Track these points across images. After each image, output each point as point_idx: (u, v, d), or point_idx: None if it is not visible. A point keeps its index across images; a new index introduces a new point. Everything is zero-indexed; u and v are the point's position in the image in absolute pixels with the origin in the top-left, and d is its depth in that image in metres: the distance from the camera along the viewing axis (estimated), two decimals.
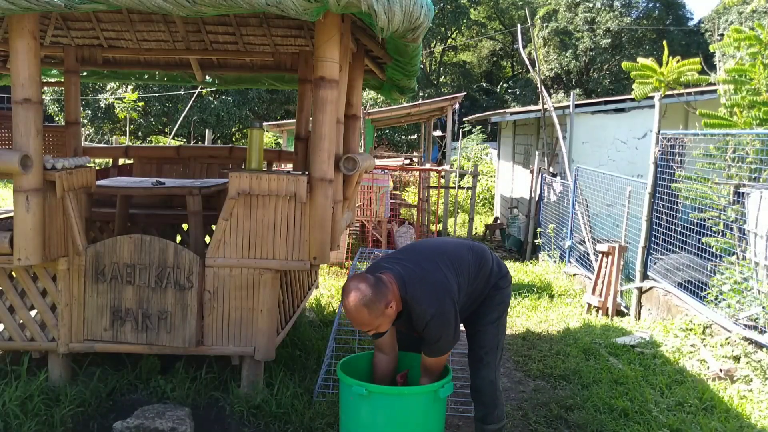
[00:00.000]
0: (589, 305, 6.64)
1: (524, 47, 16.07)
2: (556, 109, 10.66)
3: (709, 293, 5.41)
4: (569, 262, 8.53)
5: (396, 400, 2.75)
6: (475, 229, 13.43)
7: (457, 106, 15.46)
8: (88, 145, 9.41)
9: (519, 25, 13.61)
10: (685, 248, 5.96)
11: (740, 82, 6.18)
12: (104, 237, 4.87)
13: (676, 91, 7.61)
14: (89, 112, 21.49)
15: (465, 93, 22.97)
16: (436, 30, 32.15)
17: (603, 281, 6.54)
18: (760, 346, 4.61)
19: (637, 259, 6.57)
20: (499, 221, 14.07)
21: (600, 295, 6.52)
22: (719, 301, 5.27)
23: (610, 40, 29.24)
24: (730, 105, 6.28)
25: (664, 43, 7.69)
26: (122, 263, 3.53)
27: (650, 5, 31.13)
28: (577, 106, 10.43)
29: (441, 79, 35.07)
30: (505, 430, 3.26)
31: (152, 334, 3.55)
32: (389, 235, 9.21)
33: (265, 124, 15.25)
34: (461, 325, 2.96)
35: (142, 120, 21.92)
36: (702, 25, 28.60)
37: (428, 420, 2.79)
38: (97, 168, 5.54)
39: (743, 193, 5.29)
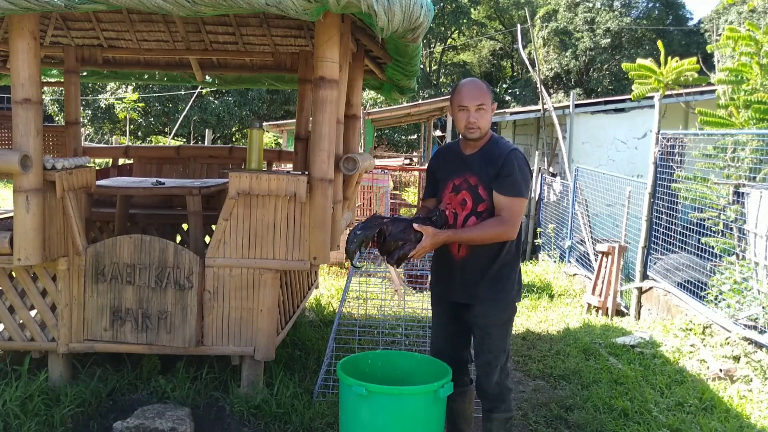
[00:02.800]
0: (589, 305, 6.64)
1: (524, 47, 16.06)
2: (555, 109, 10.67)
3: (708, 293, 5.41)
4: (569, 262, 8.53)
5: (396, 400, 2.75)
6: None
7: (446, 117, 15.46)
8: (88, 145, 9.41)
9: (519, 25, 13.60)
10: (684, 248, 5.96)
11: (737, 82, 6.19)
12: (104, 237, 4.87)
13: (674, 91, 7.62)
14: (89, 112, 21.49)
15: None
16: (436, 30, 32.16)
17: (603, 281, 6.55)
18: (759, 346, 4.62)
19: (636, 259, 6.57)
20: None
21: (600, 295, 6.52)
22: (719, 301, 5.27)
23: (609, 40, 29.23)
24: (726, 105, 6.29)
25: (659, 43, 7.68)
26: (122, 263, 3.53)
27: (650, 5, 31.13)
28: (576, 106, 10.44)
29: (441, 79, 35.06)
30: (513, 422, 3.24)
31: (152, 334, 3.55)
32: None
33: (265, 124, 15.26)
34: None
35: (142, 120, 21.92)
36: (702, 25, 28.60)
37: (428, 420, 2.79)
38: (97, 168, 5.54)
39: (743, 193, 5.30)
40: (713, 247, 5.55)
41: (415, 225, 2.70)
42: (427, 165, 2.92)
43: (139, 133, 22.88)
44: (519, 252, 2.92)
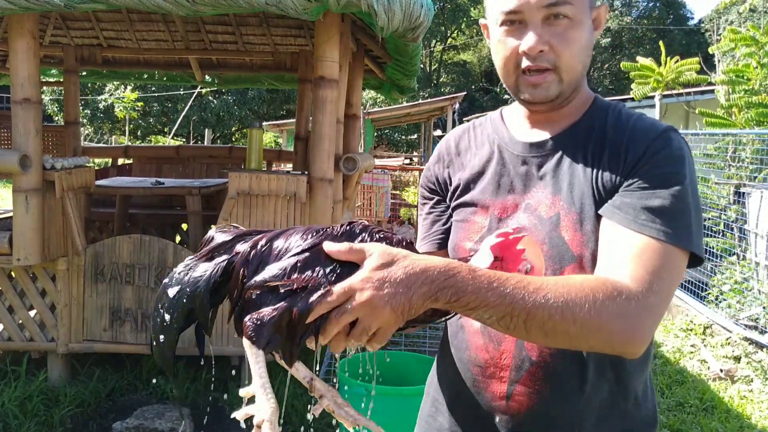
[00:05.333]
0: None
1: None
2: None
3: (709, 293, 5.40)
4: None
5: (396, 401, 2.75)
6: None
7: (457, 105, 15.48)
8: (88, 145, 9.41)
9: None
10: None
11: (737, 83, 6.19)
12: (103, 237, 4.86)
13: (675, 91, 7.61)
14: (88, 112, 21.49)
15: (465, 93, 22.98)
16: (436, 29, 32.15)
17: None
18: (760, 346, 4.61)
19: None
20: None
21: None
22: (720, 302, 5.27)
23: (610, 39, 29.24)
24: (728, 105, 6.29)
25: (661, 43, 7.68)
26: (121, 263, 3.52)
27: (650, 5, 31.15)
28: None
29: (441, 79, 35.06)
30: None
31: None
32: None
33: (264, 123, 15.25)
34: None
35: (141, 120, 21.92)
36: (702, 25, 28.61)
37: None
38: (96, 168, 5.53)
39: (743, 193, 5.29)
40: (714, 248, 5.55)
41: (327, 247, 0.93)
42: (422, 175, 1.30)
43: (139, 133, 22.87)
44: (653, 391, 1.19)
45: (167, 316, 0.97)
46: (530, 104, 1.11)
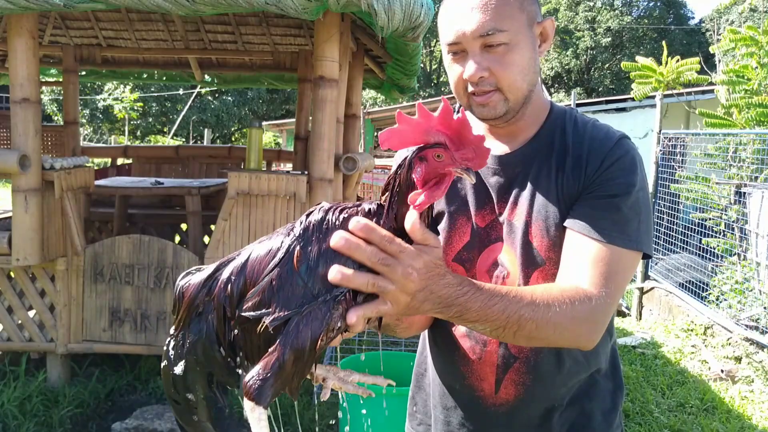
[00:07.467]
0: None
1: None
2: None
3: (710, 294, 5.39)
4: None
5: (396, 401, 2.74)
6: None
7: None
8: (87, 145, 9.40)
9: None
10: (686, 248, 5.95)
11: (737, 83, 6.19)
12: (103, 237, 4.85)
13: (675, 91, 7.60)
14: (87, 112, 21.48)
15: None
16: (435, 29, 32.07)
17: None
18: (761, 346, 4.60)
19: None
20: None
21: None
22: (720, 302, 5.26)
23: (610, 39, 29.23)
24: (728, 105, 6.28)
25: (663, 43, 7.68)
26: (121, 263, 3.51)
27: (651, 4, 31.14)
28: (578, 105, 10.42)
29: (441, 78, 35.05)
30: None
31: (151, 334, 3.53)
32: None
33: (264, 123, 15.25)
34: None
35: (140, 121, 21.91)
36: (703, 25, 28.61)
37: None
38: (95, 168, 5.52)
39: (744, 193, 5.28)
40: (715, 248, 5.54)
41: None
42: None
43: (138, 133, 22.86)
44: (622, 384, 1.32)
45: (190, 396, 0.91)
46: (483, 121, 1.20)
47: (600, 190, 1.11)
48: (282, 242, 0.89)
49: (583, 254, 1.09)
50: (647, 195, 1.16)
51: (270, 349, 0.84)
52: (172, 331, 0.95)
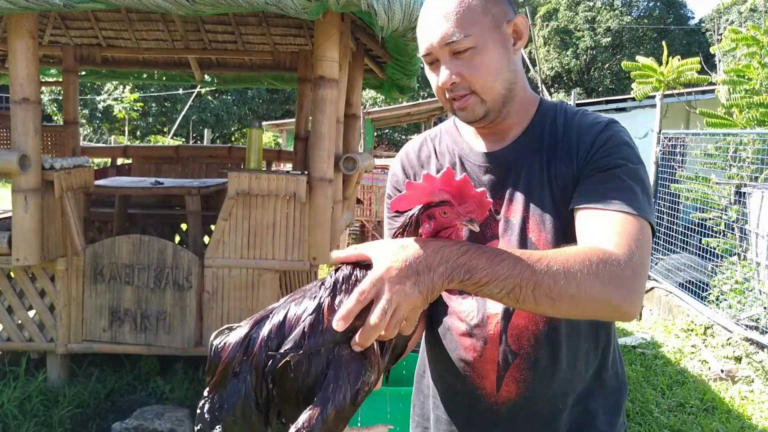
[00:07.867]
0: None
1: (525, 46, 16.05)
2: None
3: (710, 294, 5.39)
4: None
5: (396, 401, 2.74)
6: None
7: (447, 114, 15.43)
8: (87, 145, 9.40)
9: None
10: (686, 248, 5.95)
11: (738, 83, 6.19)
12: (103, 237, 4.85)
13: (676, 91, 7.61)
14: (87, 112, 21.48)
15: None
16: None
17: None
18: (761, 346, 4.60)
19: None
20: None
21: None
22: (720, 302, 5.26)
23: (610, 39, 29.23)
24: (729, 105, 6.28)
25: (664, 43, 7.68)
26: (121, 263, 3.51)
27: (651, 4, 31.13)
28: (578, 105, 10.42)
29: None
30: None
31: (151, 334, 3.53)
32: None
33: (264, 123, 15.24)
34: None
35: (140, 121, 21.91)
36: (703, 25, 28.61)
37: None
38: (95, 168, 5.52)
39: (744, 193, 5.28)
40: (715, 248, 5.54)
41: (336, 255, 1.01)
42: (388, 188, 1.38)
43: (138, 133, 22.86)
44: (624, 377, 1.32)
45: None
46: (468, 124, 1.22)
47: (597, 166, 1.12)
48: (314, 295, 0.96)
49: (598, 224, 1.06)
50: (646, 170, 1.16)
51: (312, 405, 0.88)
52: (205, 393, 0.95)
